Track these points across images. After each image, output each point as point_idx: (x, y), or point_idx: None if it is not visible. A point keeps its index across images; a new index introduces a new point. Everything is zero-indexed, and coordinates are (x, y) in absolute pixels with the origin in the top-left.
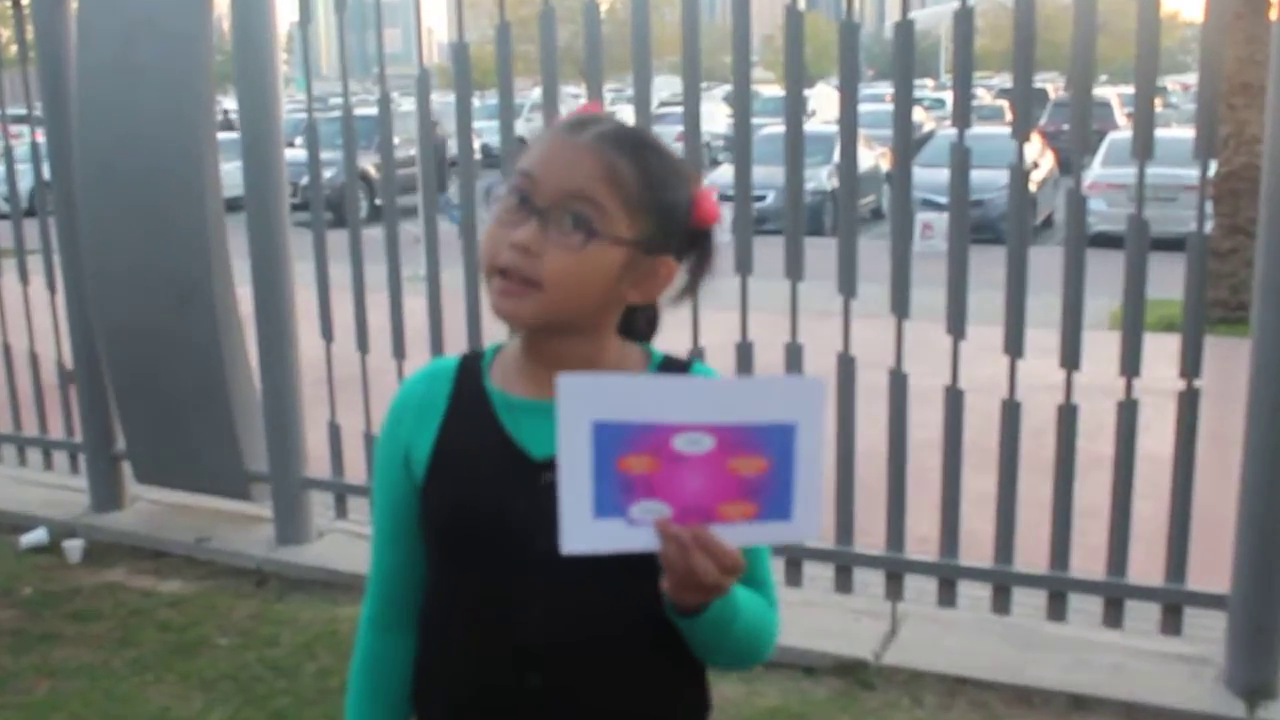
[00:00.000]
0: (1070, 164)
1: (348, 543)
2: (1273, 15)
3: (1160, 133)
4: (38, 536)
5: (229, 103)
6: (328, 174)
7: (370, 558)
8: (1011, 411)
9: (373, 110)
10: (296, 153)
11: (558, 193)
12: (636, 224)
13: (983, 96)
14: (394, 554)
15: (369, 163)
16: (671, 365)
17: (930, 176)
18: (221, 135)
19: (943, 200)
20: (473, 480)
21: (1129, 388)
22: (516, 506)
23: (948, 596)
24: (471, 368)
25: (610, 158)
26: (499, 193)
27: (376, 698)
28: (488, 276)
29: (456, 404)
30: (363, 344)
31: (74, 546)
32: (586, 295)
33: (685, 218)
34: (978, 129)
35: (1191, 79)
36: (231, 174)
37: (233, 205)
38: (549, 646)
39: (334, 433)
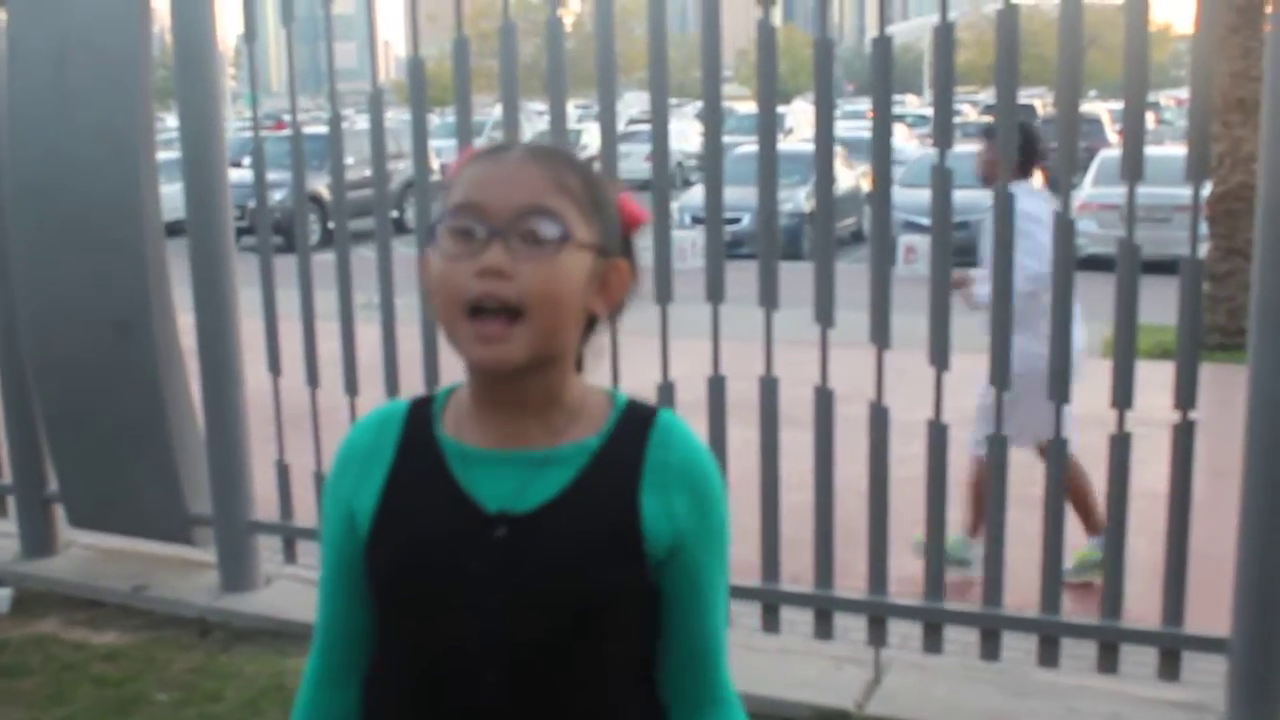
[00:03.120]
0: (1059, 184)
1: (297, 590)
2: (1267, 29)
3: (1153, 150)
4: None
5: (171, 120)
6: (276, 196)
7: (316, 610)
8: (998, 446)
9: (324, 129)
10: (242, 173)
11: (512, 211)
12: (592, 227)
13: (967, 112)
14: (339, 609)
15: (320, 184)
16: (636, 412)
17: (913, 197)
18: (162, 155)
19: (926, 222)
20: (421, 537)
21: (1121, 420)
22: (469, 562)
23: (933, 642)
24: (422, 414)
25: (551, 167)
26: (437, 235)
27: None
28: (453, 323)
29: (405, 454)
30: (312, 378)
31: (2, 596)
32: (565, 311)
33: (618, 221)
34: (962, 147)
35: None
36: (172, 196)
37: (174, 229)
38: (507, 712)
39: (282, 473)
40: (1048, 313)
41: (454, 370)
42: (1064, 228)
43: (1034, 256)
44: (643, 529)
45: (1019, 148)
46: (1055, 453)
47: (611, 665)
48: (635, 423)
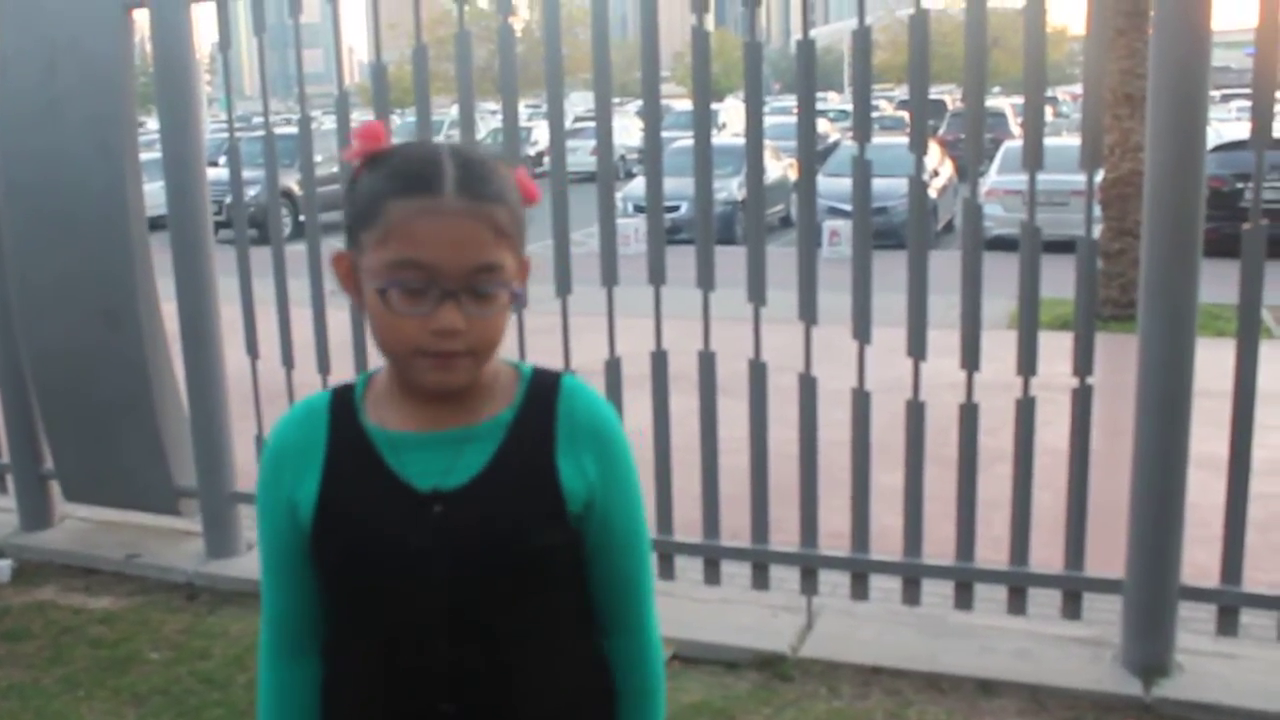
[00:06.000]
0: (968, 172)
1: None
2: (1151, 31)
3: (1051, 141)
4: None
5: (152, 122)
6: (251, 192)
7: (262, 595)
8: (916, 411)
9: (294, 129)
10: (219, 171)
11: (463, 273)
12: (518, 251)
13: (884, 107)
14: (288, 593)
15: (291, 181)
16: (541, 381)
17: (836, 185)
18: (144, 155)
19: (848, 208)
20: (363, 523)
21: (1026, 386)
22: (411, 540)
23: (860, 589)
24: (345, 405)
25: (487, 211)
26: (375, 280)
27: None
28: (403, 358)
29: (335, 446)
30: (287, 359)
31: (3, 566)
32: (503, 335)
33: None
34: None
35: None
36: (154, 193)
37: (156, 224)
38: (461, 673)
39: (261, 446)
40: None
41: None
42: (973, 211)
43: None
44: (561, 489)
45: None
46: (968, 416)
47: (549, 620)
48: (542, 391)
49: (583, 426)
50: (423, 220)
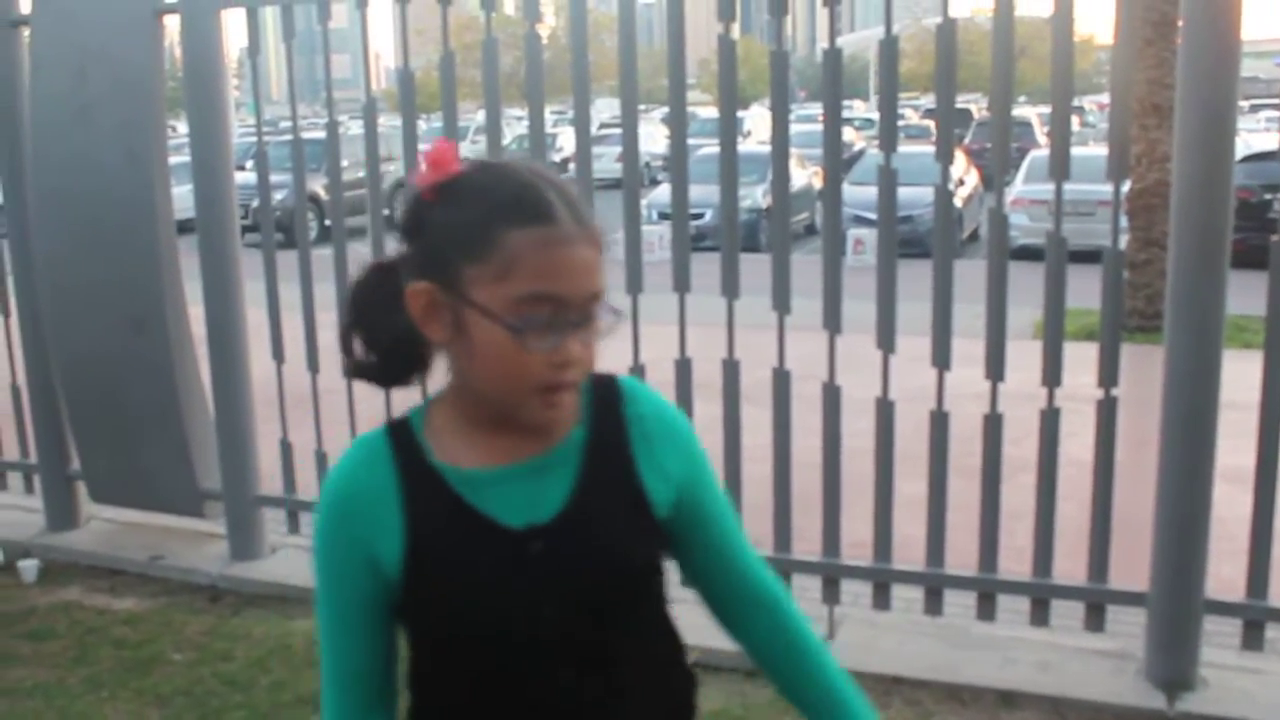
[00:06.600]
0: (993, 181)
1: (300, 557)
2: (1179, 40)
3: (1078, 151)
4: None
5: (181, 127)
6: (277, 196)
7: (324, 657)
8: (940, 421)
9: (321, 134)
10: (247, 175)
11: (586, 302)
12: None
13: (910, 116)
14: (364, 652)
15: (318, 185)
16: (602, 388)
17: (861, 194)
18: (173, 160)
19: (873, 216)
20: (463, 571)
21: (1051, 396)
22: (516, 582)
23: (882, 599)
24: (407, 445)
25: (595, 235)
26: (516, 323)
27: None
28: (517, 396)
29: (411, 493)
30: (313, 363)
31: (29, 566)
32: None
33: None
34: (906, 148)
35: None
36: (183, 197)
37: (184, 227)
38: (578, 702)
39: (285, 450)
40: None
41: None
42: (998, 221)
43: None
44: (648, 499)
45: None
46: (992, 426)
47: (650, 633)
48: (606, 400)
49: (654, 428)
50: (548, 251)
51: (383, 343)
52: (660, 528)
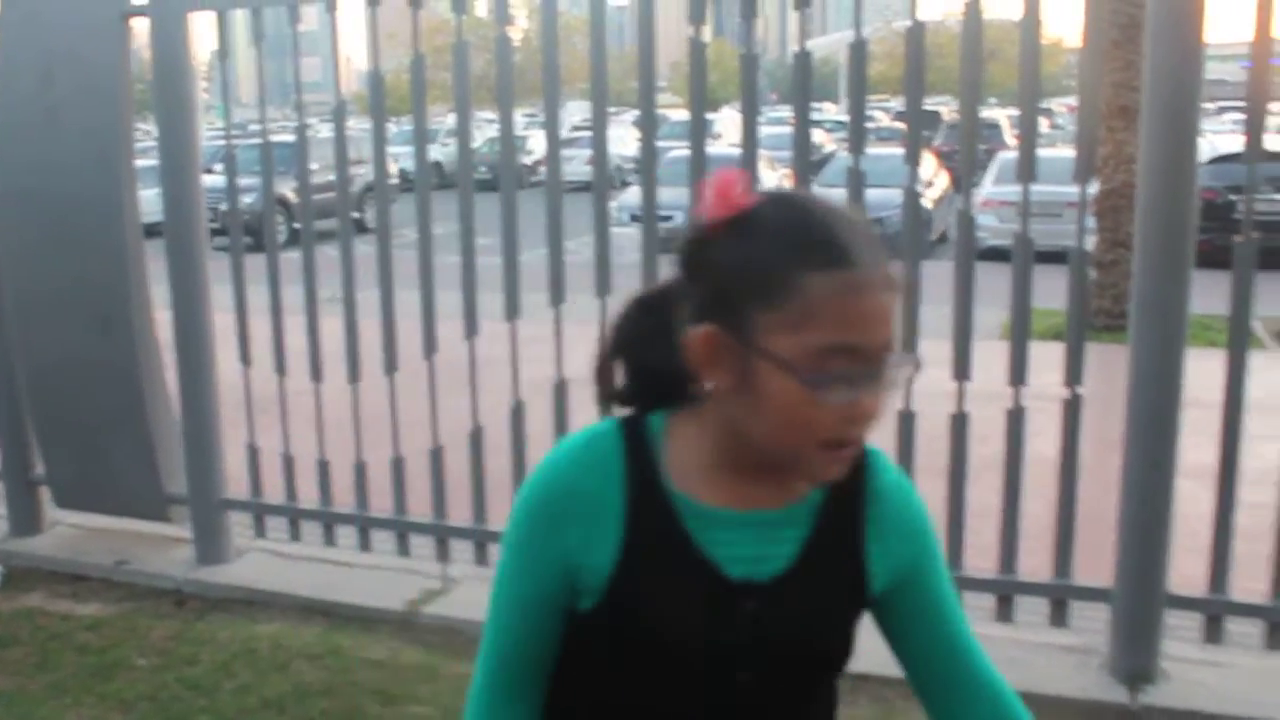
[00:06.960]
0: (961, 183)
1: (266, 561)
2: (1145, 44)
3: (1045, 152)
4: None
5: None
6: (246, 199)
7: (488, 631)
8: (907, 420)
9: (291, 137)
10: (215, 178)
11: (883, 351)
12: None
13: (881, 118)
14: (528, 640)
15: (287, 188)
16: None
17: (831, 196)
18: (141, 162)
19: None
20: (665, 607)
21: (1017, 395)
22: (717, 634)
23: None
24: (641, 460)
25: (893, 279)
26: (814, 378)
27: None
28: (802, 449)
29: (636, 512)
30: (280, 366)
31: None
32: None
33: None
34: (876, 149)
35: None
36: (151, 200)
37: (152, 231)
38: None
39: (252, 454)
40: None
41: (411, 355)
42: (965, 222)
43: None
44: (866, 575)
45: None
46: (958, 425)
47: (823, 703)
48: (851, 466)
49: (890, 510)
50: (852, 299)
51: (643, 377)
52: (866, 603)
